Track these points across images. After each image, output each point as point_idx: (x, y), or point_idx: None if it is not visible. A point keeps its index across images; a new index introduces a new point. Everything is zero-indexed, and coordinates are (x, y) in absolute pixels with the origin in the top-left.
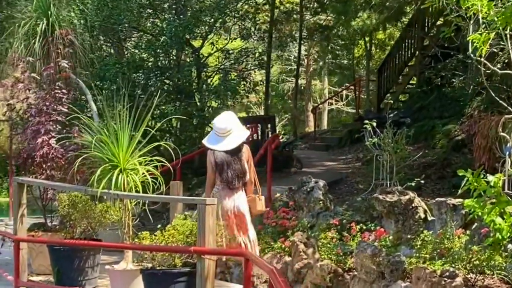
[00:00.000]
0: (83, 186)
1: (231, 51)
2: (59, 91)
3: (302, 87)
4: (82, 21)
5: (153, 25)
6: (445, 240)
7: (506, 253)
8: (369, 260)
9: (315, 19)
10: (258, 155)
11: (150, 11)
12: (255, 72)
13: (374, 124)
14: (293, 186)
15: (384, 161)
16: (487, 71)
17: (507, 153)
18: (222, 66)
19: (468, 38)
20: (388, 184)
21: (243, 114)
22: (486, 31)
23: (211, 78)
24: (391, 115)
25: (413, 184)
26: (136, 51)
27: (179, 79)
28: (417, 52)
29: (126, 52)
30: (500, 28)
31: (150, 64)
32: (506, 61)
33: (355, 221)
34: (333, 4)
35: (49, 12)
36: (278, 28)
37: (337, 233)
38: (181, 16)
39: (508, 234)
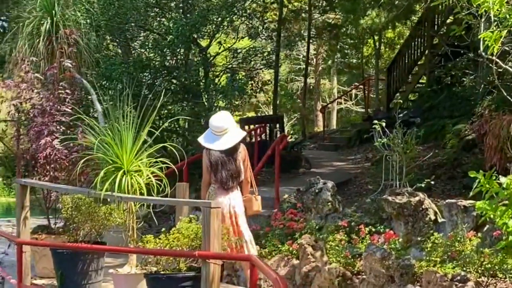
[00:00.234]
0: (87, 188)
1: (239, 50)
2: (62, 91)
3: (311, 87)
4: (88, 21)
5: (159, 24)
6: (456, 242)
7: None
8: (378, 263)
9: (323, 18)
10: (266, 155)
11: (157, 10)
12: (263, 71)
13: (383, 124)
14: (301, 187)
15: (394, 161)
16: (499, 70)
17: None
18: (230, 66)
19: (479, 36)
20: (398, 185)
21: (252, 114)
22: (498, 29)
23: (219, 78)
24: (401, 114)
25: (422, 185)
26: (143, 50)
27: (186, 78)
28: (426, 51)
29: (133, 52)
30: None
31: (156, 63)
32: None
33: (364, 223)
34: (342, 2)
35: (54, 11)
36: (287, 27)
37: (345, 235)
38: (188, 15)
39: None
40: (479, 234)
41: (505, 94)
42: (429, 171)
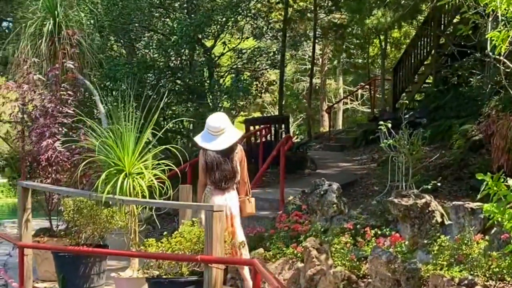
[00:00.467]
0: (89, 190)
1: (244, 51)
2: (64, 93)
3: (317, 87)
4: (91, 21)
5: (163, 25)
6: (463, 245)
7: None
8: (384, 267)
9: (329, 18)
10: (271, 156)
11: (161, 10)
12: (268, 71)
13: (389, 125)
14: (306, 188)
15: (400, 162)
16: (506, 70)
17: None
18: (235, 66)
19: (486, 36)
20: (404, 186)
21: (258, 114)
22: (506, 29)
23: (224, 78)
24: (407, 115)
25: (429, 186)
26: (147, 51)
27: (190, 79)
28: (433, 51)
29: (138, 53)
30: None
31: (161, 64)
32: None
33: (369, 226)
34: (347, 2)
35: (56, 12)
36: (292, 27)
37: (351, 238)
38: (193, 15)
39: None
40: (487, 237)
41: None
42: (436, 172)
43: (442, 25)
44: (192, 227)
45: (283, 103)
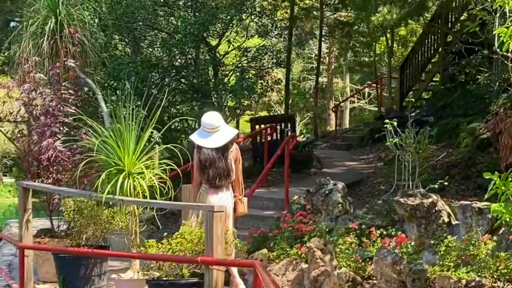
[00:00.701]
0: (90, 190)
1: (249, 49)
2: (65, 92)
3: (324, 85)
4: (95, 20)
5: (168, 23)
6: (471, 246)
7: None
8: (390, 268)
9: (335, 16)
10: (276, 155)
11: (165, 8)
12: (273, 70)
13: (395, 123)
14: (311, 188)
15: (406, 161)
16: None
17: None
18: (240, 65)
19: (494, 32)
20: (411, 185)
21: (264, 113)
22: None
23: (228, 77)
24: (413, 113)
25: (436, 186)
26: (151, 49)
27: (195, 78)
28: (440, 48)
29: (142, 51)
30: None
31: (165, 63)
32: None
33: (375, 226)
34: None
35: (58, 10)
36: (298, 25)
37: (356, 238)
38: (197, 14)
39: None
40: (495, 238)
41: None
42: (443, 171)
43: (450, 22)
44: (193, 227)
45: (290, 102)
